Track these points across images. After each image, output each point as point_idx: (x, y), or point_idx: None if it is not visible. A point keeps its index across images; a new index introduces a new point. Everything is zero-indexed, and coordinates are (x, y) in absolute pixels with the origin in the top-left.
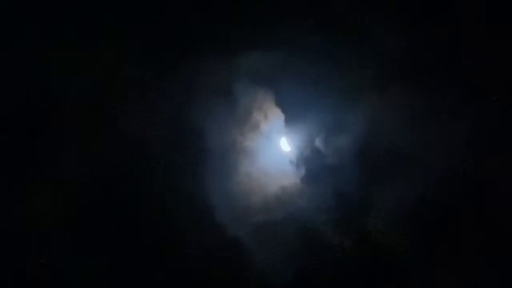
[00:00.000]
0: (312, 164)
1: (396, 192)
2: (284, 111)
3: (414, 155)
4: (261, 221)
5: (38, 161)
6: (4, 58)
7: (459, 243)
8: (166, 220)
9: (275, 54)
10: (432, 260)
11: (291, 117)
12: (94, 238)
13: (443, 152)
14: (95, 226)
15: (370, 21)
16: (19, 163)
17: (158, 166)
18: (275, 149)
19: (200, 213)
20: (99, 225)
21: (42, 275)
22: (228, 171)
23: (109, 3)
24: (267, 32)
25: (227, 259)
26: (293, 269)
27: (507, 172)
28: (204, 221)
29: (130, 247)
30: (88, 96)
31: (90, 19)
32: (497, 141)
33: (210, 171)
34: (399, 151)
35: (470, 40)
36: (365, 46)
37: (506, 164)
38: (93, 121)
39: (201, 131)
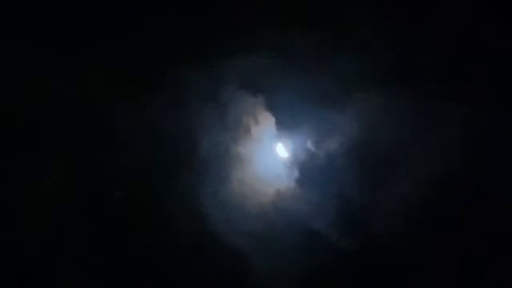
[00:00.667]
0: (307, 168)
1: (393, 192)
2: (275, 115)
3: (407, 156)
4: (259, 227)
5: (23, 171)
6: None
7: (456, 243)
8: (158, 229)
9: (262, 59)
10: (434, 261)
11: (283, 121)
12: (82, 247)
13: (435, 153)
14: (82, 235)
15: (359, 23)
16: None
17: (150, 176)
18: (268, 154)
19: (194, 221)
20: (87, 234)
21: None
22: (222, 178)
23: (97, 13)
24: (252, 37)
25: (226, 268)
26: (294, 273)
27: (497, 172)
28: (198, 229)
29: (120, 258)
30: (75, 108)
31: (78, 29)
32: (487, 142)
33: (203, 179)
34: (391, 152)
35: (460, 43)
36: (355, 48)
37: (495, 165)
38: (81, 134)
39: (192, 140)
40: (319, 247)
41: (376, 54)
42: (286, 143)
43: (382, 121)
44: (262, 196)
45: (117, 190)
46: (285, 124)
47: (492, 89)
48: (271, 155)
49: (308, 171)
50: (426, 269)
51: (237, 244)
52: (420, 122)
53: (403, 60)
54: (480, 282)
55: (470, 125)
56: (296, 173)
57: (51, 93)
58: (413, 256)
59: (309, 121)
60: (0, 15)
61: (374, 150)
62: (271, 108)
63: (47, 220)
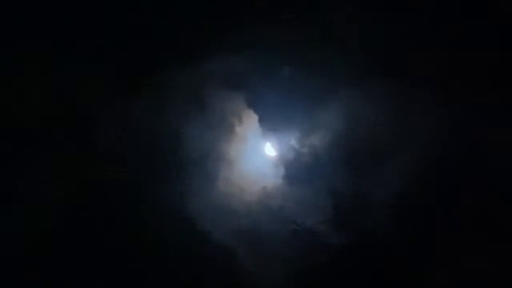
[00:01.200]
0: (293, 165)
1: (381, 186)
2: (258, 113)
3: (393, 150)
4: (246, 225)
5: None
6: None
7: (445, 235)
8: (145, 231)
9: (243, 57)
10: (427, 256)
11: (267, 119)
12: (71, 254)
13: (420, 146)
14: (69, 237)
15: (343, 20)
16: None
17: (134, 177)
18: (253, 152)
19: (181, 222)
20: (74, 236)
21: None
22: (207, 177)
23: (80, 15)
24: (232, 35)
25: (214, 266)
26: (283, 270)
27: (483, 165)
28: (185, 230)
29: (107, 259)
30: (60, 108)
31: (63, 31)
32: (472, 136)
33: (188, 178)
34: (378, 147)
35: (445, 37)
36: (338, 44)
37: (481, 157)
38: (65, 134)
39: (177, 140)
40: (308, 243)
41: (360, 50)
42: (270, 140)
43: (366, 116)
44: (248, 194)
45: (103, 190)
46: (269, 122)
47: (477, 83)
48: (256, 153)
49: (293, 168)
50: (416, 263)
51: (225, 242)
52: (405, 116)
53: (387, 56)
54: (472, 275)
55: (457, 118)
56: (281, 170)
57: (37, 95)
58: (403, 250)
59: (293, 118)
60: None
61: (359, 145)
62: (255, 106)
63: (33, 220)
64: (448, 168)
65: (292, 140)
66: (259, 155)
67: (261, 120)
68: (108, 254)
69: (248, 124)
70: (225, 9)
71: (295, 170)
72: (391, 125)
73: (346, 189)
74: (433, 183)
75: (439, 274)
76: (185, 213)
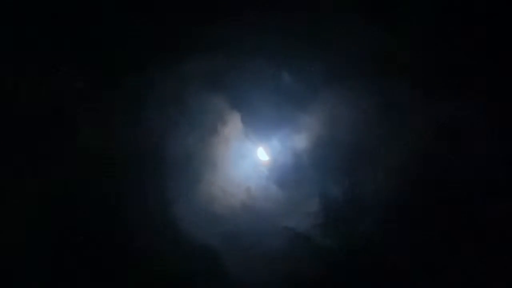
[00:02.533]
0: (276, 166)
1: (366, 187)
2: (241, 113)
3: (377, 150)
4: (230, 228)
5: None
6: None
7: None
8: (126, 232)
9: (223, 56)
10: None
11: (249, 119)
12: (54, 256)
13: (404, 146)
14: (47, 245)
15: (324, 20)
16: None
17: (115, 179)
18: (236, 153)
19: (164, 225)
20: (52, 237)
21: None
22: (190, 179)
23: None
24: (212, 34)
25: (199, 270)
26: (270, 273)
27: (469, 161)
28: (169, 233)
29: (90, 262)
30: (37, 108)
31: (41, 29)
32: (457, 131)
33: (171, 181)
34: (361, 147)
35: (429, 36)
36: (318, 42)
37: (463, 157)
38: (42, 134)
39: (158, 141)
40: (294, 246)
41: (341, 50)
42: (253, 141)
43: (349, 116)
44: (231, 196)
45: (81, 193)
46: (251, 122)
47: (463, 81)
48: (239, 154)
49: (277, 169)
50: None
51: (209, 245)
52: (388, 115)
53: (369, 56)
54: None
55: (440, 116)
56: (265, 172)
57: (13, 93)
58: (389, 251)
59: (276, 118)
60: None
61: (341, 145)
62: (237, 106)
63: (7, 221)
64: (434, 166)
65: (276, 141)
66: (241, 155)
67: (243, 121)
68: (86, 259)
69: (232, 125)
70: (208, 8)
71: (278, 171)
72: (375, 126)
73: (328, 191)
74: (420, 183)
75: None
76: (167, 216)
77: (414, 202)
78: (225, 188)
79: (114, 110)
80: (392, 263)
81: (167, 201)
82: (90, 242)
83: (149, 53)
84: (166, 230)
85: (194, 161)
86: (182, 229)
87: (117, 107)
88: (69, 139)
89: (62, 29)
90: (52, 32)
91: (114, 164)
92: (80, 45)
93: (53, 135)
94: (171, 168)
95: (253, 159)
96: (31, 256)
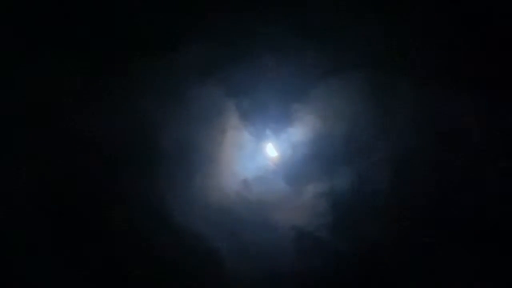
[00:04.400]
0: (273, 158)
1: (359, 179)
2: (238, 103)
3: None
4: (226, 221)
5: None
6: None
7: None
8: (119, 228)
9: (220, 46)
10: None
11: (246, 110)
12: (37, 251)
13: (400, 138)
14: (46, 236)
15: (322, 11)
16: None
17: (111, 170)
18: (232, 144)
19: (157, 220)
20: (51, 236)
21: None
22: (185, 172)
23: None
24: (207, 24)
25: (195, 264)
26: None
27: (459, 160)
28: (162, 228)
29: (81, 259)
30: (36, 99)
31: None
32: (448, 128)
33: (165, 174)
34: (356, 141)
35: (421, 29)
36: (316, 37)
37: (457, 152)
38: (41, 124)
39: (150, 133)
40: (290, 240)
41: (337, 42)
42: (251, 132)
43: (345, 109)
44: (228, 189)
45: (75, 190)
46: (249, 114)
47: (455, 74)
48: (236, 145)
49: (273, 161)
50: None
51: (203, 239)
52: (384, 109)
53: (366, 49)
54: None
55: (433, 108)
56: (261, 163)
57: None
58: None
59: (272, 109)
60: None
61: (336, 139)
62: (233, 97)
63: None
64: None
65: (271, 132)
66: (238, 147)
67: (240, 112)
68: (79, 251)
69: (227, 116)
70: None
71: (275, 163)
72: (370, 119)
73: (324, 185)
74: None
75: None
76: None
77: (424, 202)
78: (219, 179)
79: (106, 99)
80: (401, 266)
81: (161, 193)
82: (80, 235)
83: (142, 42)
84: (160, 222)
85: (187, 152)
86: (177, 221)
87: (109, 97)
88: (59, 130)
89: (58, 16)
90: (47, 18)
91: (105, 155)
92: (70, 34)
93: (40, 132)
94: (165, 159)
95: (247, 150)
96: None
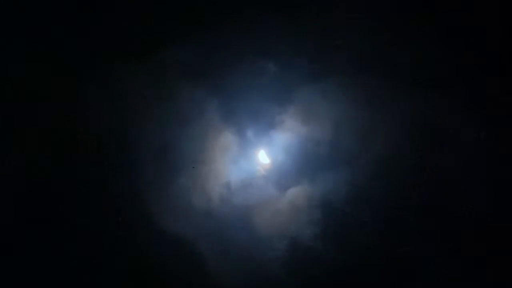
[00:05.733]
0: (255, 160)
1: (340, 181)
2: (221, 104)
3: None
4: (208, 223)
5: None
6: None
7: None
8: (103, 226)
9: (203, 47)
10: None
11: (229, 110)
12: (21, 248)
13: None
14: (27, 236)
15: (303, 17)
16: None
17: (93, 171)
18: (214, 144)
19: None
20: (31, 235)
21: None
22: (168, 173)
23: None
24: (192, 27)
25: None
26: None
27: (445, 162)
28: (146, 227)
29: (66, 257)
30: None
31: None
32: (433, 131)
33: (148, 174)
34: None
35: (405, 33)
36: (301, 38)
37: (443, 155)
38: (24, 126)
39: (134, 134)
40: (271, 242)
41: (322, 47)
42: (232, 133)
43: (325, 114)
44: (211, 191)
45: (58, 190)
46: (231, 115)
47: (440, 79)
48: (217, 145)
49: (255, 163)
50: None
51: (185, 240)
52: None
53: (351, 54)
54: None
55: (417, 112)
56: (243, 165)
57: None
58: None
59: (255, 111)
60: None
61: (319, 143)
62: (216, 97)
63: None
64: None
65: (252, 133)
66: (219, 146)
67: (222, 112)
68: (63, 252)
69: (209, 116)
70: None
71: (256, 165)
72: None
73: (306, 188)
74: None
75: None
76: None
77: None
78: (201, 180)
79: (89, 100)
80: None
81: (141, 192)
82: (61, 235)
83: (124, 41)
84: (141, 222)
85: (170, 152)
86: (158, 222)
87: (93, 98)
88: (43, 130)
89: (38, 20)
90: (25, 24)
91: (87, 156)
92: (55, 38)
93: (26, 133)
94: (147, 158)
95: (233, 152)
96: None
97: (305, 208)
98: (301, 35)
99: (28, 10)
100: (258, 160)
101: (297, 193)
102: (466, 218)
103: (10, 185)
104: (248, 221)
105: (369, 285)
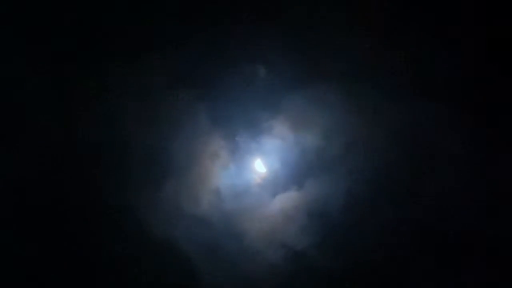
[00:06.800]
0: (243, 165)
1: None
2: (208, 109)
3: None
4: (197, 230)
5: None
6: None
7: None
8: (93, 233)
9: (192, 51)
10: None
11: (217, 115)
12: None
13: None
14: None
15: (294, 23)
16: None
17: (82, 175)
18: (202, 148)
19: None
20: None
21: None
22: (156, 177)
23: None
24: (180, 29)
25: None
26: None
27: (432, 168)
28: (135, 233)
29: (54, 264)
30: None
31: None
32: (421, 138)
33: (137, 180)
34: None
35: (393, 38)
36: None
37: (430, 161)
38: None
39: (122, 138)
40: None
41: (311, 54)
42: (220, 135)
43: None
44: (200, 197)
45: (45, 193)
46: (219, 118)
47: (427, 85)
48: (205, 150)
49: (247, 170)
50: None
51: (174, 247)
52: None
53: (338, 60)
54: None
55: (406, 120)
56: (232, 170)
57: None
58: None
59: (244, 115)
60: None
61: (307, 150)
62: (204, 102)
63: None
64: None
65: (240, 138)
66: (208, 152)
67: (210, 117)
68: (49, 255)
69: (197, 120)
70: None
71: (245, 170)
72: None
73: (295, 194)
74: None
75: None
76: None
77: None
78: (191, 186)
79: (77, 103)
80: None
81: (130, 198)
82: (49, 240)
83: (112, 44)
84: (128, 228)
85: (158, 156)
86: (146, 228)
87: (81, 101)
88: (31, 132)
89: (25, 21)
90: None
91: (76, 161)
92: (45, 36)
93: (13, 134)
94: (134, 163)
95: (217, 155)
96: None
97: (296, 215)
98: (289, 41)
99: (12, 11)
100: (252, 167)
101: (287, 200)
102: (458, 227)
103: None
104: (238, 227)
105: None
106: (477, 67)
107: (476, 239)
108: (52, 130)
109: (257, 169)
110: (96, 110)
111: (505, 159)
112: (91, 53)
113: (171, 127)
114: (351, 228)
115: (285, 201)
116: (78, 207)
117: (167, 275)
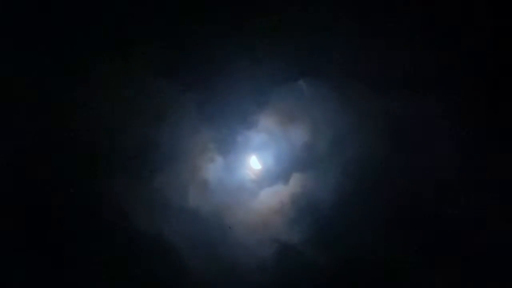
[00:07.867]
0: (231, 158)
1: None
2: (193, 101)
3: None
4: (186, 224)
5: None
6: None
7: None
8: (81, 229)
9: (182, 46)
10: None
11: (206, 109)
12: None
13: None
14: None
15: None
16: None
17: (70, 169)
18: (189, 141)
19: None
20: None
21: None
22: (144, 170)
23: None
24: (167, 25)
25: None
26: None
27: (421, 161)
28: (123, 228)
29: (47, 261)
30: None
31: None
32: (409, 133)
33: (123, 173)
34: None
35: (381, 36)
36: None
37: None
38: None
39: (107, 131)
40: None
41: (299, 49)
42: (210, 131)
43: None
44: (188, 189)
45: (38, 191)
46: (205, 111)
47: (416, 82)
48: (192, 142)
49: (233, 162)
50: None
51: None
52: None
53: (322, 56)
54: None
55: (394, 114)
56: (219, 164)
57: None
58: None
59: (234, 111)
60: None
61: (294, 145)
62: (189, 94)
63: None
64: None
65: (229, 131)
66: (195, 144)
67: (197, 110)
68: (36, 251)
69: (183, 112)
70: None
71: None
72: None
73: (283, 189)
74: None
75: None
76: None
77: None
78: (177, 178)
79: (64, 99)
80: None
81: (116, 193)
82: (46, 237)
83: (98, 38)
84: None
85: (145, 150)
86: (134, 223)
87: (68, 96)
88: (21, 129)
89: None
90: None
91: (65, 154)
92: (32, 33)
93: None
94: (122, 159)
95: (205, 147)
96: None
97: (284, 210)
98: (277, 36)
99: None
100: (243, 162)
101: (275, 194)
102: (450, 222)
103: None
104: (226, 221)
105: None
106: (465, 61)
107: (469, 235)
108: (37, 124)
109: (247, 163)
110: (83, 104)
111: (496, 150)
112: (77, 46)
113: (159, 120)
114: (341, 223)
115: (273, 195)
116: (64, 200)
117: (156, 269)
